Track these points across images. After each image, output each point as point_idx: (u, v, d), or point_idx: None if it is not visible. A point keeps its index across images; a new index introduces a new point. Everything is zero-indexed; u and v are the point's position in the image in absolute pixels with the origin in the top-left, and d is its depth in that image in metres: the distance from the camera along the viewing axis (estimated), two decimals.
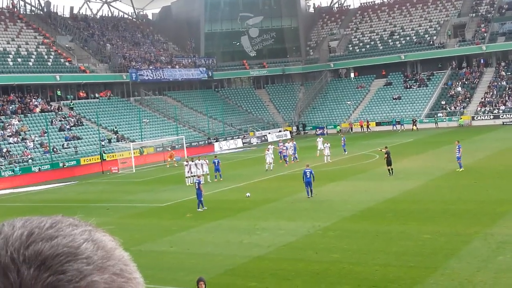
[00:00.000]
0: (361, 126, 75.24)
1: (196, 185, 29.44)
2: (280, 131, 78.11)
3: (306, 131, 79.79)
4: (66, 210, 31.75)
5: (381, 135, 66.17)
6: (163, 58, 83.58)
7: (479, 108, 72.76)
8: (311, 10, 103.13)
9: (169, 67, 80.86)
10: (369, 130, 73.91)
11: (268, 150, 43.51)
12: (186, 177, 38.97)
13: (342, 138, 51.35)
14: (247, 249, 21.03)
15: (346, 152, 49.42)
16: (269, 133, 75.96)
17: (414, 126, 70.40)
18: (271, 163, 42.71)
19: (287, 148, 46.48)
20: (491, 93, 74.48)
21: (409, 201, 27.26)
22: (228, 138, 71.10)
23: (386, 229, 22.09)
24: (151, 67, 78.10)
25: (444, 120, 72.80)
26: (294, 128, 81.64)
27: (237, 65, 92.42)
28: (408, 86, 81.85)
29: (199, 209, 28.87)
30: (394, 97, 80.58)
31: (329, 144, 45.05)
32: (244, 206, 29.13)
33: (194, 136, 70.69)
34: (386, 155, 34.91)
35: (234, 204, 30.13)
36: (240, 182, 37.83)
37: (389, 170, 34.78)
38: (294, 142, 48.78)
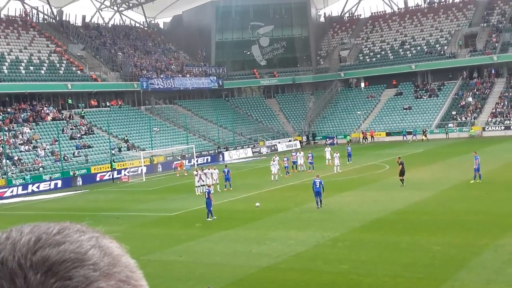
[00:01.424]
0: (364, 137, 75.07)
1: (206, 194, 29.48)
2: (290, 141, 78.10)
3: (316, 141, 79.71)
4: (76, 219, 31.86)
5: (391, 146, 66.03)
6: (174, 67, 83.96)
7: (490, 119, 72.44)
8: (322, 19, 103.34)
9: (179, 76, 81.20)
10: (365, 141, 73.94)
11: (273, 161, 43.40)
12: (196, 187, 39.02)
13: (347, 148, 51.77)
14: (256, 259, 21.02)
15: (350, 161, 49.48)
16: (279, 142, 75.98)
17: (424, 136, 70.23)
18: (276, 173, 42.60)
19: (287, 159, 46.16)
20: (502, 103, 74.14)
21: (419, 212, 27.16)
22: (238, 148, 71.16)
23: (396, 240, 22.02)
24: (161, 76, 78.46)
25: (455, 130, 72.52)
26: (304, 138, 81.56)
27: (247, 74, 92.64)
28: (419, 96, 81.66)
29: (209, 219, 28.89)
30: (405, 107, 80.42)
31: (338, 154, 45.03)
32: (254, 216, 29.12)
33: (204, 145, 70.82)
34: (400, 166, 34.92)
35: (243, 214, 30.14)
36: (250, 192, 37.83)
37: (401, 180, 34.78)
38: (302, 153, 48.75)
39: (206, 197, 29.25)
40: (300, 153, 49.09)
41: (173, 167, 57.46)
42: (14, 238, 1.01)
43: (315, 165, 46.65)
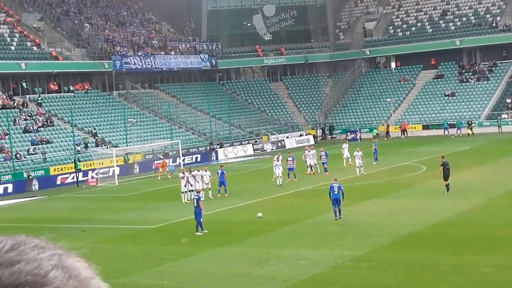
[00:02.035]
0: (387, 132, 75.57)
1: (195, 202, 29.47)
2: (301, 135, 78.07)
3: (334, 136, 79.64)
4: (32, 232, 31.79)
5: (429, 142, 65.94)
6: (155, 42, 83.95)
7: None
8: None
9: (162, 53, 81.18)
10: (389, 137, 74.56)
11: (277, 160, 43.18)
12: (182, 192, 39.04)
13: (373, 144, 51.26)
14: (258, 283, 21.00)
15: (377, 162, 49.40)
16: (287, 137, 75.97)
17: (469, 130, 70.20)
18: (280, 176, 42.53)
19: (293, 159, 45.20)
20: None
21: (464, 225, 27.12)
22: (235, 144, 71.15)
23: (434, 260, 21.99)
24: (139, 53, 78.44)
25: (510, 123, 72.43)
26: (319, 132, 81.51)
27: (247, 52, 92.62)
28: (464, 80, 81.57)
29: (198, 233, 28.90)
30: (446, 93, 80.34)
31: (361, 153, 44.86)
32: (255, 229, 29.10)
33: (193, 140, 70.80)
34: (442, 167, 34.81)
35: (242, 227, 30.12)
36: (250, 199, 37.81)
37: (446, 186, 34.67)
38: (313, 151, 48.43)
39: (195, 205, 29.25)
40: (310, 150, 48.53)
41: (153, 167, 57.48)
42: None
43: (329, 165, 46.56)
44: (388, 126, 76.41)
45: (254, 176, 49.68)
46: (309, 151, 48.20)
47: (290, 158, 44.85)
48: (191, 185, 38.50)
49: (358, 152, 44.75)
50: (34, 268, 0.98)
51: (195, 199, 29.77)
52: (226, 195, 39.45)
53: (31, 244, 1.04)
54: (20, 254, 0.99)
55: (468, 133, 70.03)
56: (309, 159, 47.60)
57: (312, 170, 47.38)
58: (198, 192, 31.17)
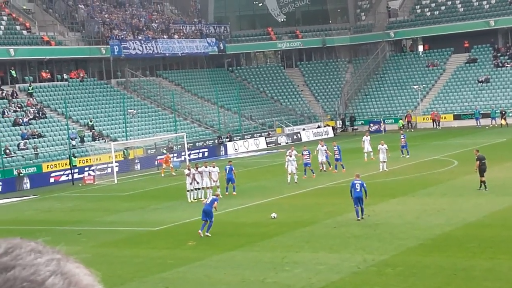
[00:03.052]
0: (409, 123, 75.57)
1: (210, 200, 29.45)
2: (318, 127, 78.01)
3: (356, 127, 79.53)
4: (23, 235, 31.95)
5: (461, 133, 65.80)
6: (157, 24, 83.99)
7: None
8: None
9: (165, 37, 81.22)
10: (411, 128, 74.63)
11: (289, 156, 42.84)
12: (188, 191, 39.06)
13: (402, 136, 51.09)
14: None
15: (406, 155, 49.30)
16: (304, 129, 75.92)
17: (503, 120, 70.04)
18: (293, 173, 42.33)
19: (309, 153, 44.72)
20: None
21: (500, 226, 27.08)
22: (246, 137, 71.17)
23: (467, 264, 21.98)
24: (140, 37, 78.51)
25: None
26: (339, 123, 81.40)
27: (259, 35, 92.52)
28: (500, 64, 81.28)
29: (206, 233, 28.82)
30: (480, 80, 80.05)
31: (385, 146, 44.73)
32: (268, 231, 29.13)
33: (199, 133, 70.86)
34: (478, 161, 34.76)
35: (254, 229, 30.15)
36: (263, 198, 37.84)
37: (482, 182, 34.63)
38: (324, 146, 47.59)
39: (208, 202, 29.15)
40: (323, 146, 47.72)
41: (156, 164, 57.58)
42: None
43: (348, 161, 46.43)
44: (410, 116, 76.21)
45: (267, 172, 49.65)
46: (321, 146, 47.49)
47: (305, 152, 44.50)
48: (198, 183, 38.53)
49: (382, 145, 44.58)
50: (31, 274, 0.97)
51: (213, 199, 29.69)
52: (234, 193, 39.46)
53: (27, 247, 1.03)
54: (15, 259, 0.99)
55: (502, 124, 69.84)
56: (321, 155, 46.88)
57: (323, 166, 46.85)
58: (217, 195, 31.46)
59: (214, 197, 30.44)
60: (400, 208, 32.21)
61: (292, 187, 40.82)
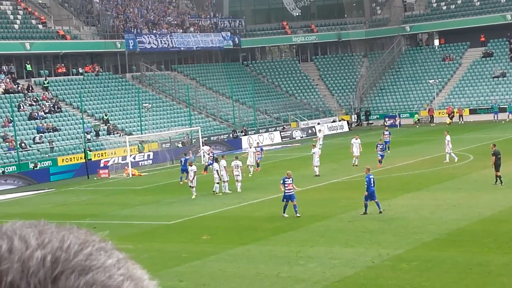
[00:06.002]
0: (431, 117, 75.83)
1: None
2: (333, 121, 77.91)
3: (371, 122, 79.42)
4: None
5: (477, 128, 65.58)
6: (172, 18, 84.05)
7: None
8: None
9: (180, 31, 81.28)
10: (433, 122, 74.63)
11: (313, 147, 44.09)
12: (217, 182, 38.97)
13: (387, 132, 52.90)
14: (286, 285, 21.01)
15: (388, 151, 49.80)
16: (319, 123, 75.79)
17: None
18: (317, 166, 43.04)
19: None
20: None
21: None
22: (261, 131, 71.16)
23: (482, 259, 21.90)
24: (155, 31, 78.60)
25: None
26: (354, 118, 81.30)
27: (274, 29, 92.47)
28: None
29: (297, 214, 28.86)
30: (496, 74, 79.70)
31: (359, 140, 46.50)
32: (283, 226, 29.15)
33: (214, 127, 70.91)
34: (494, 156, 34.66)
35: (268, 223, 30.17)
36: (278, 192, 37.81)
37: (498, 177, 34.53)
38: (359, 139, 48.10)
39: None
40: (357, 139, 47.75)
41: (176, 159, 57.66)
42: (19, 250, 0.95)
43: (366, 156, 46.40)
44: (432, 110, 76.23)
45: (281, 166, 49.59)
46: (356, 139, 47.43)
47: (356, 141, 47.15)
48: (220, 177, 38.49)
49: (356, 139, 46.49)
50: (107, 278, 0.92)
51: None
52: (258, 169, 39.53)
53: (95, 244, 0.98)
54: (89, 258, 0.94)
55: None
56: (356, 148, 46.79)
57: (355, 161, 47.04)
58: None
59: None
60: (415, 202, 32.15)
61: (306, 181, 40.59)
